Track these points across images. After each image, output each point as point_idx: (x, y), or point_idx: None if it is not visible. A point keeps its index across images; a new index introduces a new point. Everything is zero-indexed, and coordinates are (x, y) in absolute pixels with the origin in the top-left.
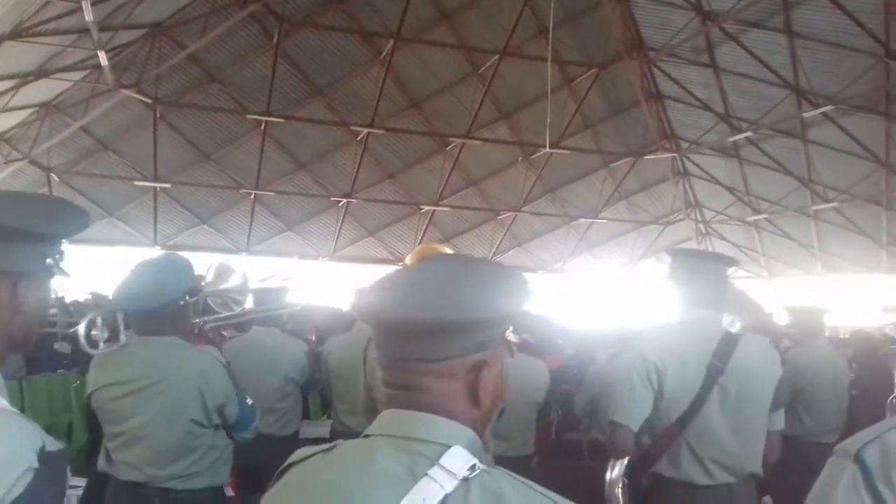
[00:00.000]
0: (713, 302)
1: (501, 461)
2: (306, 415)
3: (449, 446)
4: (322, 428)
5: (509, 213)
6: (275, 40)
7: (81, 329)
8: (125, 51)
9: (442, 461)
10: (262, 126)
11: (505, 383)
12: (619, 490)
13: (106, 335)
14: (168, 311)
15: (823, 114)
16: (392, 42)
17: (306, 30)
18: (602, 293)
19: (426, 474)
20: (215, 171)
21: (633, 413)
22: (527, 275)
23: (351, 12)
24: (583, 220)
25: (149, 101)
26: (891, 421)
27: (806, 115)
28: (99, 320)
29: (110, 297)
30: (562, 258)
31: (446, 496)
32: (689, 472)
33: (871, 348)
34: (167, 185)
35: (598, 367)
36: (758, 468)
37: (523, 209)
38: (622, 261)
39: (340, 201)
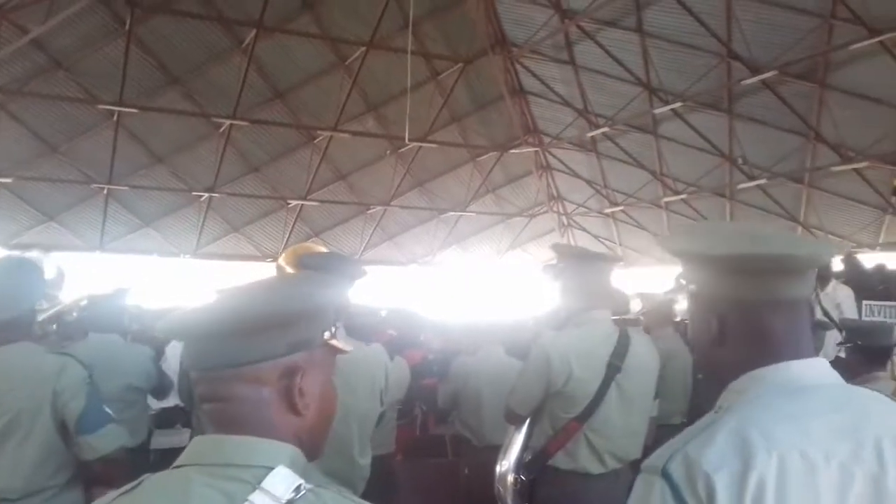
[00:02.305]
0: (605, 301)
1: None
2: (162, 423)
3: (271, 468)
4: (178, 437)
5: (379, 207)
6: (127, 26)
7: None
8: None
9: (264, 484)
10: (115, 117)
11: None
12: (510, 483)
13: None
14: (22, 320)
15: (672, 110)
16: (254, 31)
17: (161, 15)
18: (471, 285)
19: (247, 500)
20: (63, 164)
21: (526, 402)
22: (396, 268)
23: None
24: (451, 213)
25: None
26: (691, 431)
27: (657, 111)
28: None
29: None
30: (432, 251)
31: None
32: (585, 463)
33: None
34: (8, 180)
35: (461, 360)
36: (640, 453)
37: (393, 203)
38: (490, 253)
39: (202, 196)
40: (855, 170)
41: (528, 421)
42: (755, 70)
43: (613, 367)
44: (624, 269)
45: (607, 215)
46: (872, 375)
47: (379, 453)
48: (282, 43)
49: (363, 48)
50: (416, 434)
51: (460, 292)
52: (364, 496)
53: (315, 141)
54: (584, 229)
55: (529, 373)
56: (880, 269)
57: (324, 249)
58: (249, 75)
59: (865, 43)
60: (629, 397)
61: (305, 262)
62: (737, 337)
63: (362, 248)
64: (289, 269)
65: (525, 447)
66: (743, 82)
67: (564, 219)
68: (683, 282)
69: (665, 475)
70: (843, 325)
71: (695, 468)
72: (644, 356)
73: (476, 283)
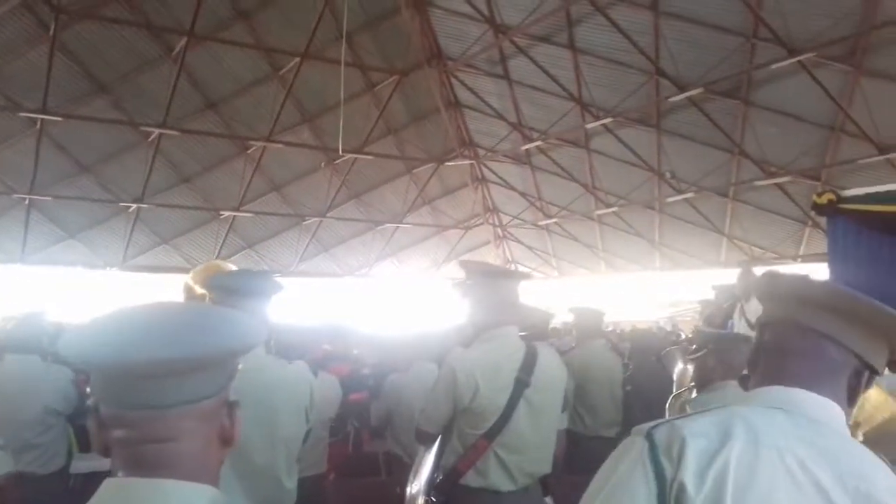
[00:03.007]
0: (512, 317)
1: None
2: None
3: None
4: (99, 461)
5: (314, 219)
6: (51, 31)
7: None
8: None
9: None
10: (38, 125)
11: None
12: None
13: None
14: None
15: (604, 125)
16: (185, 39)
17: (87, 21)
18: (408, 297)
19: None
20: None
21: (434, 419)
22: (332, 280)
23: (137, 5)
24: (388, 224)
25: None
26: (684, 414)
27: (588, 126)
28: None
29: None
30: (368, 263)
31: None
32: (496, 480)
33: (645, 345)
34: None
35: (394, 377)
36: (549, 468)
37: (328, 214)
38: (426, 264)
39: (130, 207)
40: (777, 184)
41: (439, 440)
42: (682, 87)
43: (521, 382)
44: (558, 279)
45: (542, 227)
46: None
47: (310, 473)
48: (214, 52)
49: (297, 59)
50: (349, 452)
51: (396, 305)
52: None
53: (248, 151)
54: (518, 241)
55: (436, 390)
56: None
57: (234, 268)
58: (180, 84)
59: (785, 62)
60: (538, 411)
61: (216, 283)
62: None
63: (297, 260)
64: (198, 289)
65: (436, 467)
66: (670, 99)
67: (500, 230)
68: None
69: (648, 436)
70: (696, 334)
71: (676, 433)
72: (551, 370)
73: (412, 295)
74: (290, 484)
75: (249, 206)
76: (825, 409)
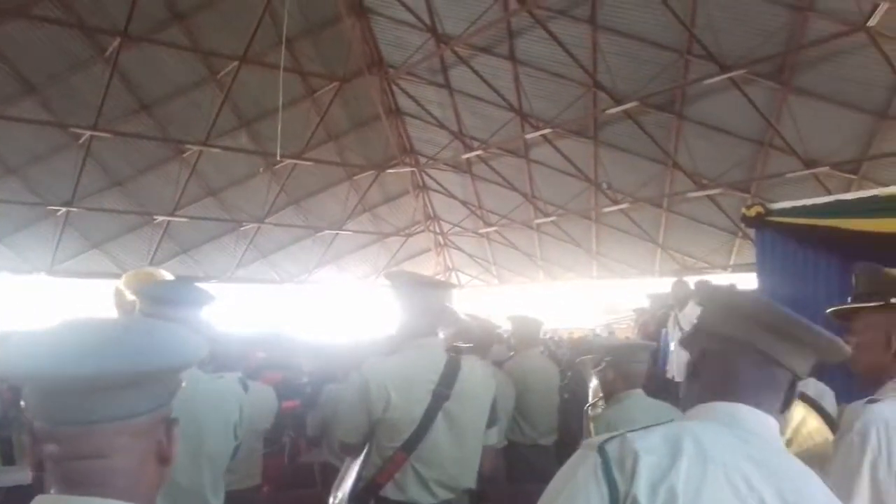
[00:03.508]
0: (435, 327)
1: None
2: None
3: None
4: (23, 474)
5: (252, 225)
6: None
7: None
8: None
9: None
10: None
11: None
12: None
13: None
14: None
15: (543, 136)
16: (118, 40)
17: (16, 20)
18: (347, 305)
19: None
20: None
21: (352, 430)
22: (271, 287)
23: (69, 4)
24: (328, 231)
25: None
26: (635, 428)
27: (528, 136)
28: None
29: None
30: (307, 270)
31: None
32: (414, 494)
33: (583, 352)
34: None
35: (330, 387)
36: (473, 483)
37: (267, 220)
38: (367, 271)
39: (59, 210)
40: (708, 196)
41: (364, 452)
42: (618, 100)
43: (440, 395)
44: (497, 287)
45: (482, 235)
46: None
47: (243, 486)
48: (149, 53)
49: (236, 63)
50: (284, 463)
51: (336, 312)
52: None
53: (184, 155)
54: (459, 248)
55: (350, 401)
56: None
57: (167, 275)
58: (113, 86)
59: (717, 78)
60: (459, 425)
61: (147, 292)
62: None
63: (235, 266)
64: (128, 294)
65: (360, 478)
66: (607, 111)
67: (440, 238)
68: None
69: (601, 451)
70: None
71: (628, 448)
72: (474, 383)
73: (352, 302)
74: (217, 501)
75: (185, 211)
76: (765, 425)
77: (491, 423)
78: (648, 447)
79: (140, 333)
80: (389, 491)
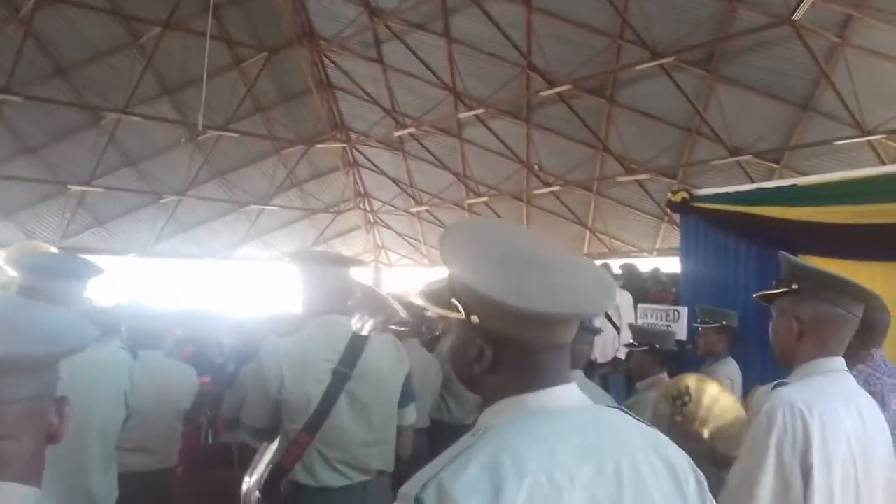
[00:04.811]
0: (337, 305)
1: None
2: None
3: None
4: None
5: (173, 197)
6: None
7: None
8: None
9: None
10: None
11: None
12: (255, 501)
13: None
14: None
15: (476, 116)
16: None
17: None
18: (272, 281)
19: None
20: None
21: (254, 413)
22: (192, 262)
23: None
24: (254, 206)
25: None
26: (446, 455)
27: (461, 115)
28: None
29: None
30: (231, 245)
31: None
32: (323, 477)
33: None
34: None
35: (249, 367)
36: (388, 465)
37: (189, 193)
38: (294, 248)
39: None
40: (637, 181)
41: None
42: (551, 83)
43: (341, 374)
44: (428, 267)
45: (413, 214)
46: (657, 378)
47: (159, 467)
48: (66, 14)
49: (159, 28)
50: (202, 442)
51: (261, 289)
52: None
53: (101, 123)
54: (389, 227)
55: (248, 382)
56: (654, 274)
57: (54, 250)
58: (27, 47)
59: (648, 65)
60: (364, 406)
61: (28, 264)
62: (507, 367)
63: (154, 240)
64: (9, 270)
65: (270, 462)
66: (540, 94)
67: (370, 216)
68: (460, 309)
69: (417, 502)
70: (635, 330)
71: (445, 495)
72: (381, 362)
73: (277, 279)
74: (106, 479)
75: (101, 181)
76: (568, 393)
77: (405, 402)
78: (467, 488)
79: (20, 315)
80: (299, 474)
